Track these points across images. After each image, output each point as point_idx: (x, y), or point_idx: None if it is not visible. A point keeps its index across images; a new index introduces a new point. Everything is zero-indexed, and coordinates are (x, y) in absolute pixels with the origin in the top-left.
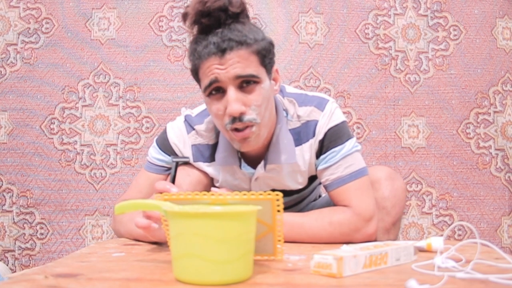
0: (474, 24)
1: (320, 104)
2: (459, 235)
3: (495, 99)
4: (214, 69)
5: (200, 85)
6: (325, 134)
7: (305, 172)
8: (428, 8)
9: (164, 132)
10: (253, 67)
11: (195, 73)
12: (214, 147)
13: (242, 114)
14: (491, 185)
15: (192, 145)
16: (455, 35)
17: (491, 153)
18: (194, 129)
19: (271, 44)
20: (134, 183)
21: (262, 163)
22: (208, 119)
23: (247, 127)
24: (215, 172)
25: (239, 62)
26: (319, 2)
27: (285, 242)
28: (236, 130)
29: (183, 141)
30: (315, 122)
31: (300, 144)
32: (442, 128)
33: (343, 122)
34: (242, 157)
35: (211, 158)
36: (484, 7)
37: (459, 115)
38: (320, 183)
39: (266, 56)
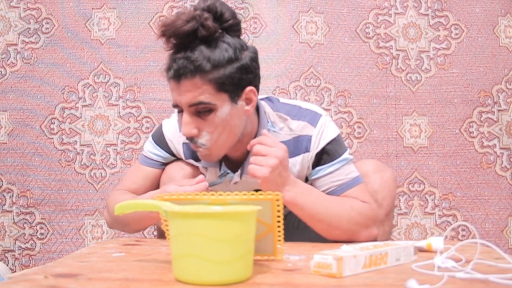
0: (475, 23)
1: (313, 120)
2: (463, 235)
3: (498, 97)
4: (174, 93)
5: None
6: (323, 149)
7: None
8: (429, 7)
9: (160, 127)
10: (206, 94)
11: None
12: None
13: (194, 136)
14: (496, 185)
15: (183, 143)
16: (456, 34)
17: (495, 152)
18: None
19: (240, 68)
20: (128, 175)
21: (239, 172)
22: None
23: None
24: (203, 170)
25: (190, 91)
26: (320, 2)
27: (290, 227)
28: None
29: (177, 138)
30: (308, 137)
31: (290, 157)
32: (444, 127)
33: (338, 135)
34: (223, 161)
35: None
36: (486, 5)
37: (461, 114)
38: None
39: (226, 83)
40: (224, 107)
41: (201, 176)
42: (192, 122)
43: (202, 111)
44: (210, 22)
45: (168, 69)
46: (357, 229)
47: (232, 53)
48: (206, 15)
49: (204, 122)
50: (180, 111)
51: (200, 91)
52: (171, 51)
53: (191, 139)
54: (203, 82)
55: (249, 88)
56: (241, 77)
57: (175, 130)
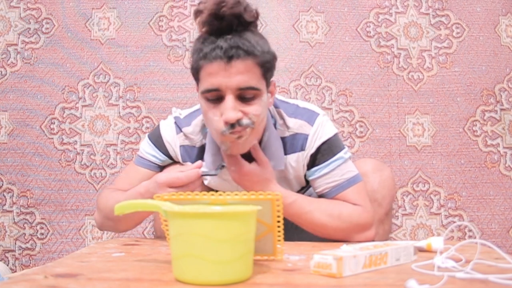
0: (477, 22)
1: (310, 119)
2: (470, 236)
3: (501, 96)
4: (218, 75)
5: (197, 84)
6: (318, 149)
7: (291, 180)
8: (430, 7)
9: (158, 129)
10: (255, 79)
11: (196, 71)
12: (200, 149)
13: (239, 119)
14: (500, 184)
15: (181, 146)
16: (457, 33)
17: (499, 151)
18: (182, 131)
19: (274, 58)
20: (123, 175)
21: None
22: (195, 122)
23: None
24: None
25: (243, 73)
26: (320, 1)
27: (290, 227)
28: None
29: (175, 140)
30: (305, 136)
31: (286, 154)
32: (448, 126)
33: (335, 134)
34: None
35: (197, 160)
36: (487, 5)
37: (465, 112)
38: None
39: (269, 69)
40: (265, 94)
41: (199, 162)
42: (236, 106)
43: (247, 96)
44: (252, 8)
45: (212, 50)
46: (346, 235)
47: (267, 42)
48: (245, 3)
49: (248, 107)
50: (213, 99)
51: (250, 74)
52: (207, 36)
53: (238, 123)
54: (254, 64)
55: (273, 80)
56: (275, 66)
57: (173, 133)
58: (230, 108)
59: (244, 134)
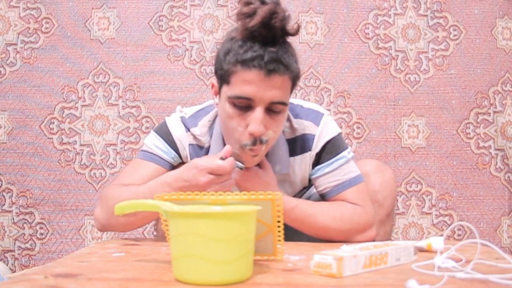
0: (474, 24)
1: (316, 119)
2: (459, 235)
3: (495, 99)
4: (254, 85)
5: (222, 85)
6: (323, 147)
7: (295, 182)
8: (428, 8)
9: (165, 126)
10: (287, 94)
11: (227, 74)
12: (208, 150)
13: (261, 135)
14: (490, 185)
15: (190, 144)
16: (455, 35)
17: (490, 153)
18: (190, 130)
19: (300, 72)
20: (130, 171)
21: None
22: (202, 123)
23: None
24: None
25: (278, 88)
26: (319, 2)
27: (290, 228)
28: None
29: (184, 138)
30: (312, 136)
31: (293, 156)
32: (442, 128)
33: (339, 134)
34: None
35: None
36: (484, 7)
37: (459, 115)
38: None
39: (296, 83)
40: (287, 109)
41: (228, 147)
42: (263, 120)
43: (275, 110)
44: (295, 23)
45: (253, 58)
46: (349, 235)
47: (297, 56)
48: (290, 16)
49: (273, 122)
50: (241, 107)
51: (285, 89)
52: (245, 39)
53: (259, 140)
54: (288, 79)
55: None
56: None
57: (182, 131)
58: (259, 121)
59: (260, 152)
